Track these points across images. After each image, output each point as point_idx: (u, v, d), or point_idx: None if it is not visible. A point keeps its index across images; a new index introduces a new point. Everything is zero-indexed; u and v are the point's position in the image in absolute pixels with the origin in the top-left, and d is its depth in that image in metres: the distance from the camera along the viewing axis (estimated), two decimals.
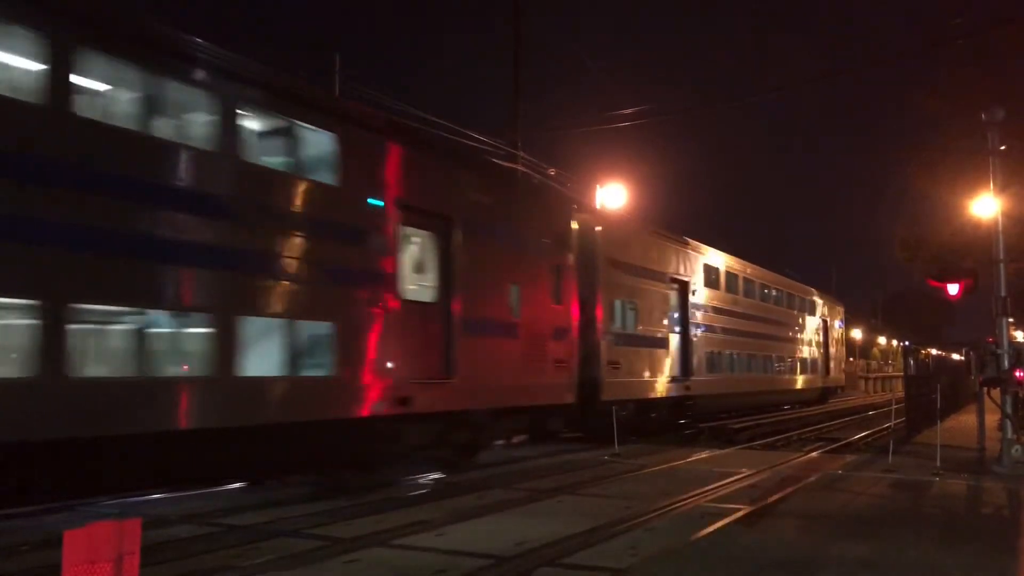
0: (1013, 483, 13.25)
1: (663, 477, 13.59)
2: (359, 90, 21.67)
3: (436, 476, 13.40)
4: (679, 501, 10.86)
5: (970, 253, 20.76)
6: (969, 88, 22.44)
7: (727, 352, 27.98)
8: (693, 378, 24.31)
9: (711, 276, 27.06)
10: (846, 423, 30.81)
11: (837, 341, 44.74)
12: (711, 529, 9.06)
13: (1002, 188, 15.97)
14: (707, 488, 12.08)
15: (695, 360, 24.65)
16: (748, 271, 31.49)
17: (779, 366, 34.52)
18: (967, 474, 13.97)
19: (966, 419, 23.93)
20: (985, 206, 17.75)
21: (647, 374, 21.66)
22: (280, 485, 11.86)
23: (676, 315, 23.87)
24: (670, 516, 9.93)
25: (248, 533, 8.65)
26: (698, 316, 25.31)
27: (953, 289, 16.54)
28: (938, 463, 14.22)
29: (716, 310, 27.12)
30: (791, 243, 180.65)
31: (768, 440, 22.11)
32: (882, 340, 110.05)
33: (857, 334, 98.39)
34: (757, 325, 31.29)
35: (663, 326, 22.75)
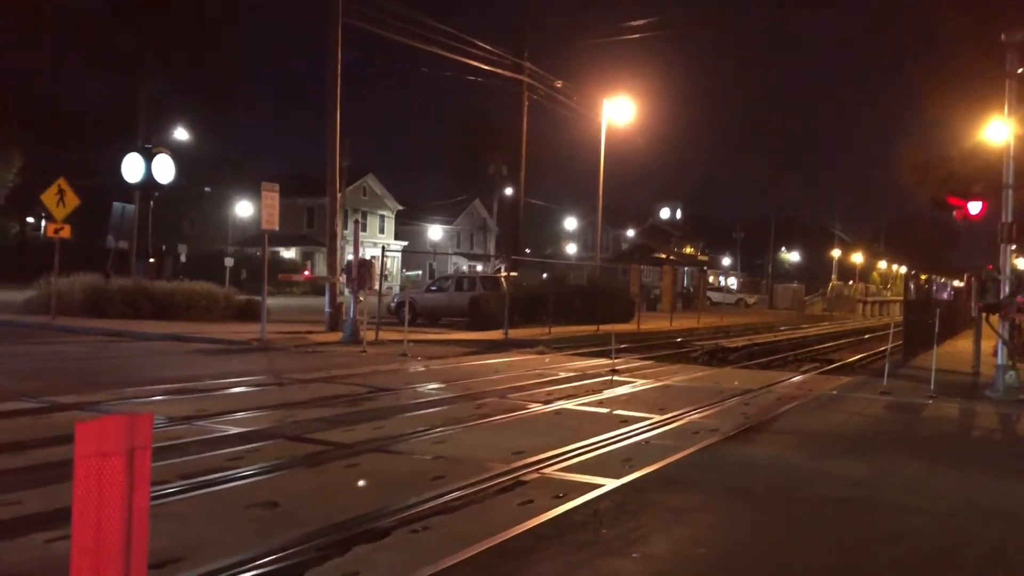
0: (1005, 408, 13.41)
1: (659, 392, 13.73)
2: None
3: (435, 385, 13.54)
4: (673, 418, 10.98)
5: (980, 178, 20.53)
6: (988, 7, 21.81)
7: None
8: None
9: None
10: (841, 345, 31.09)
11: None
12: (704, 444, 9.18)
13: (1015, 111, 15.68)
14: (701, 404, 12.21)
15: None
16: None
17: None
18: (961, 398, 14.13)
19: (963, 344, 24.11)
20: (997, 130, 17.47)
21: None
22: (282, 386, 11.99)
23: None
24: (665, 431, 10.05)
25: (249, 436, 8.74)
26: None
27: (975, 208, 16.33)
28: (932, 386, 14.37)
29: None
30: (795, 165, 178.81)
31: (763, 360, 22.34)
32: (882, 264, 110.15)
33: (858, 258, 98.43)
34: None
35: None
